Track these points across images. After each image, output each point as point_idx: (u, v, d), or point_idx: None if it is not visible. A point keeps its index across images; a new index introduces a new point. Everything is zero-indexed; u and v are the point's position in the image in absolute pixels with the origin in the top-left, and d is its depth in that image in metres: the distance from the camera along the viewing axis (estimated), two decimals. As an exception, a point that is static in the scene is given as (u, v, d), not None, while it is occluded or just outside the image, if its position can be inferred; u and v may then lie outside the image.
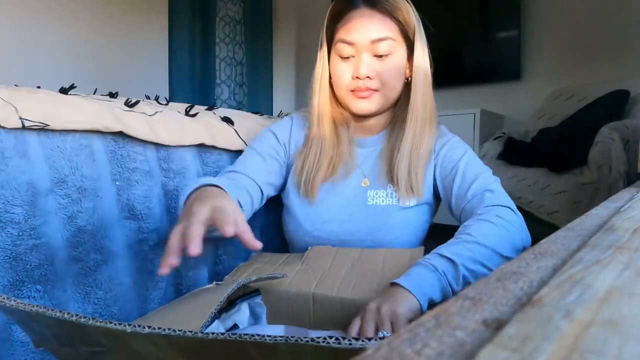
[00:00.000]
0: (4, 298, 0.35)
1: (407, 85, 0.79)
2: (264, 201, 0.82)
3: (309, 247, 0.75)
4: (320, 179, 0.79)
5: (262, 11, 3.29)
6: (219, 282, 0.64)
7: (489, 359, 0.15)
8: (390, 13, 0.74)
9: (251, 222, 0.85)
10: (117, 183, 0.73)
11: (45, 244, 0.64)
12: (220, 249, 0.90)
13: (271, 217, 0.96)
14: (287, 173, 0.85)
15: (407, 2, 0.76)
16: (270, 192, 0.83)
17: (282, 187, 0.86)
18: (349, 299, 0.58)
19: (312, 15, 3.40)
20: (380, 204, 0.77)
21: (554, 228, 0.45)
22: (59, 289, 0.66)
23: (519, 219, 0.69)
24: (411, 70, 0.77)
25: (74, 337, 0.36)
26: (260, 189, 0.79)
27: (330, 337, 0.28)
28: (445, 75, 2.57)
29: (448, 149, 0.78)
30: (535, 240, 0.34)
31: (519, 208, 0.72)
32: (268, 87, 3.34)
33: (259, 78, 3.29)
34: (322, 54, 0.79)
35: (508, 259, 0.63)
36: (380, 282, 0.60)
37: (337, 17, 0.78)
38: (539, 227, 1.68)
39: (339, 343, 0.27)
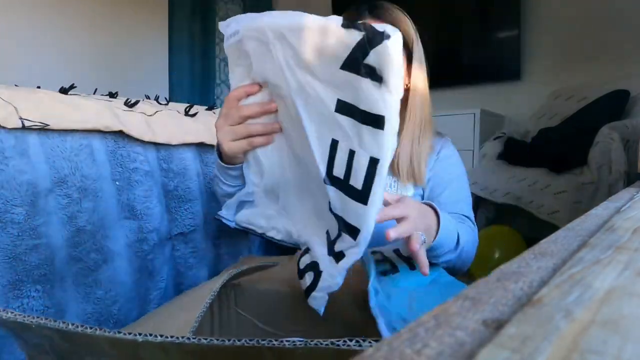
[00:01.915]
0: (1, 311, 0.34)
1: (404, 91, 0.85)
2: None
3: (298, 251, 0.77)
4: None
5: (262, 11, 3.28)
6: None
7: (489, 358, 0.15)
8: (394, 24, 0.81)
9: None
10: (117, 183, 0.73)
11: (45, 243, 0.64)
12: (221, 248, 0.90)
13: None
14: None
15: (406, 16, 0.83)
16: None
17: None
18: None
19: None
20: None
21: (554, 228, 0.45)
22: (59, 288, 0.66)
23: (473, 254, 0.77)
24: (409, 77, 0.84)
25: (76, 347, 0.35)
26: None
27: (351, 340, 0.28)
28: (445, 75, 2.57)
29: (449, 158, 0.86)
30: (535, 240, 0.34)
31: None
32: (268, 87, 3.34)
33: (259, 78, 3.29)
34: None
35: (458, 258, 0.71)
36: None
37: None
38: (539, 227, 1.68)
39: (360, 345, 0.27)
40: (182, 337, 0.29)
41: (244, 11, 3.22)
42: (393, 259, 0.60)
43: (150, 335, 0.30)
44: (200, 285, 0.59)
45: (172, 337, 0.29)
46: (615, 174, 1.50)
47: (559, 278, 0.24)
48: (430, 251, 0.65)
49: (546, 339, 0.16)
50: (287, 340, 0.28)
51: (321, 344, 0.28)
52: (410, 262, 0.61)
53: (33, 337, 0.38)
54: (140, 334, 0.30)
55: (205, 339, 0.29)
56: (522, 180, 1.82)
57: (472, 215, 0.82)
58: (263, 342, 0.28)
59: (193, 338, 0.29)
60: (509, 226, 1.73)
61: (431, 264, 0.67)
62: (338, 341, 0.28)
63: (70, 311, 0.67)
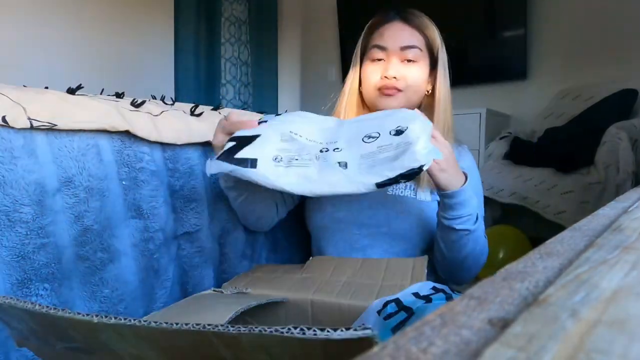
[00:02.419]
0: None
1: (427, 97, 0.89)
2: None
3: (311, 258, 0.80)
4: None
5: (267, 11, 3.29)
6: (217, 290, 0.67)
7: (494, 357, 0.15)
8: (420, 28, 0.85)
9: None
10: (123, 183, 0.73)
11: (53, 243, 0.64)
12: (226, 247, 0.90)
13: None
14: None
15: (434, 25, 0.87)
16: None
17: None
18: (348, 305, 0.58)
19: (317, 15, 3.40)
20: (399, 194, 0.84)
21: (560, 228, 0.45)
22: (66, 287, 0.66)
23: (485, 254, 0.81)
24: (432, 84, 0.88)
25: (47, 331, 0.36)
26: None
27: (295, 327, 0.27)
28: (451, 74, 2.56)
29: (465, 164, 0.87)
30: (541, 240, 0.34)
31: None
32: (273, 87, 3.34)
33: (264, 78, 3.29)
34: (356, 67, 0.89)
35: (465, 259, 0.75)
36: (381, 290, 0.60)
37: (372, 31, 0.88)
38: (546, 227, 1.67)
39: (304, 333, 0.27)
40: (134, 320, 0.30)
41: (249, 11, 3.23)
42: (410, 303, 0.55)
43: (105, 316, 0.30)
44: (208, 296, 0.59)
45: (125, 319, 0.30)
46: (623, 174, 1.49)
47: (565, 278, 0.23)
48: (451, 209, 0.70)
49: (552, 338, 0.16)
50: (232, 326, 0.28)
51: (265, 330, 0.28)
52: (429, 296, 0.57)
53: (12, 320, 0.38)
54: (96, 315, 0.30)
55: (155, 322, 0.29)
56: (529, 180, 1.81)
57: (482, 215, 0.82)
58: (208, 327, 0.29)
59: (144, 321, 0.29)
60: (514, 226, 1.73)
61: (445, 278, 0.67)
62: (282, 328, 0.28)
63: (77, 309, 0.68)
